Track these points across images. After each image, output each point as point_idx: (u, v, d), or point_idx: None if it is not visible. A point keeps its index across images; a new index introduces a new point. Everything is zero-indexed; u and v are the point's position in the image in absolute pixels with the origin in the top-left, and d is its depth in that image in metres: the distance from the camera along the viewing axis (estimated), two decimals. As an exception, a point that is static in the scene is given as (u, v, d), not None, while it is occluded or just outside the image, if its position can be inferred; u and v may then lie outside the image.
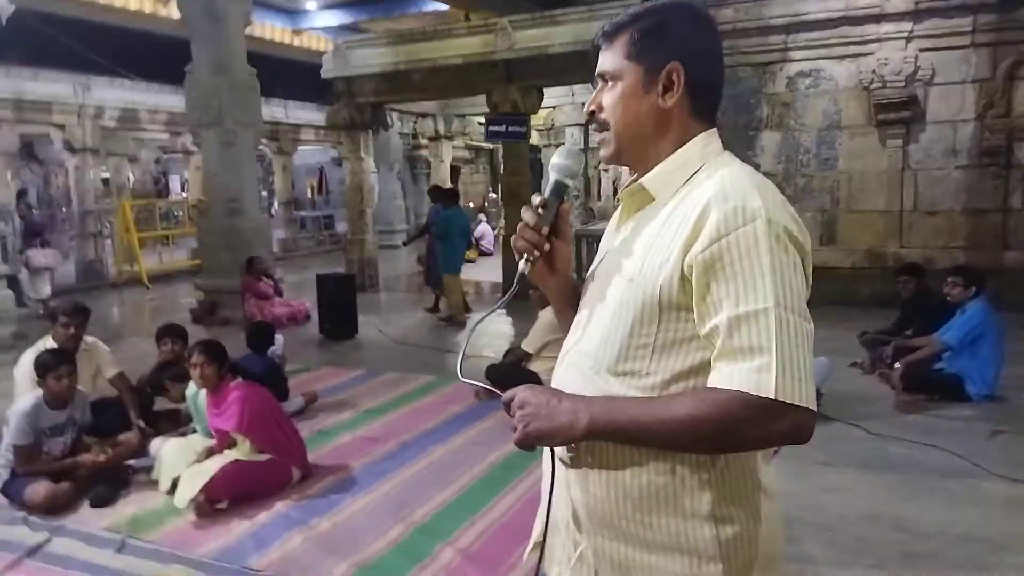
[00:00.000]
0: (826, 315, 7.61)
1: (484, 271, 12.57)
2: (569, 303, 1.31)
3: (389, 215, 16.96)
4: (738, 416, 1.00)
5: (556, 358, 1.29)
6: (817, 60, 8.22)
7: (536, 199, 1.25)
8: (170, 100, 14.33)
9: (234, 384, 3.79)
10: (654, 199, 1.17)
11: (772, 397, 0.98)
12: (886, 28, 7.83)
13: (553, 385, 1.23)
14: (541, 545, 1.24)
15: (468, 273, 12.66)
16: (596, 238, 9.92)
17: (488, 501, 3.59)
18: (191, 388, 4.07)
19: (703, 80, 1.17)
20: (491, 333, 7.32)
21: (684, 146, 1.16)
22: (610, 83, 1.19)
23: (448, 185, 9.87)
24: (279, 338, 5.70)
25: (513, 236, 1.26)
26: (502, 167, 10.80)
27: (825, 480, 3.72)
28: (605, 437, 1.10)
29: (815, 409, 1.01)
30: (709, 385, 1.04)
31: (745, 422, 1.00)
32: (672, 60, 1.14)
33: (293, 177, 19.53)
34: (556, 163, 1.28)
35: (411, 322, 8.48)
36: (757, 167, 8.37)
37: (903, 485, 3.67)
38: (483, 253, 14.53)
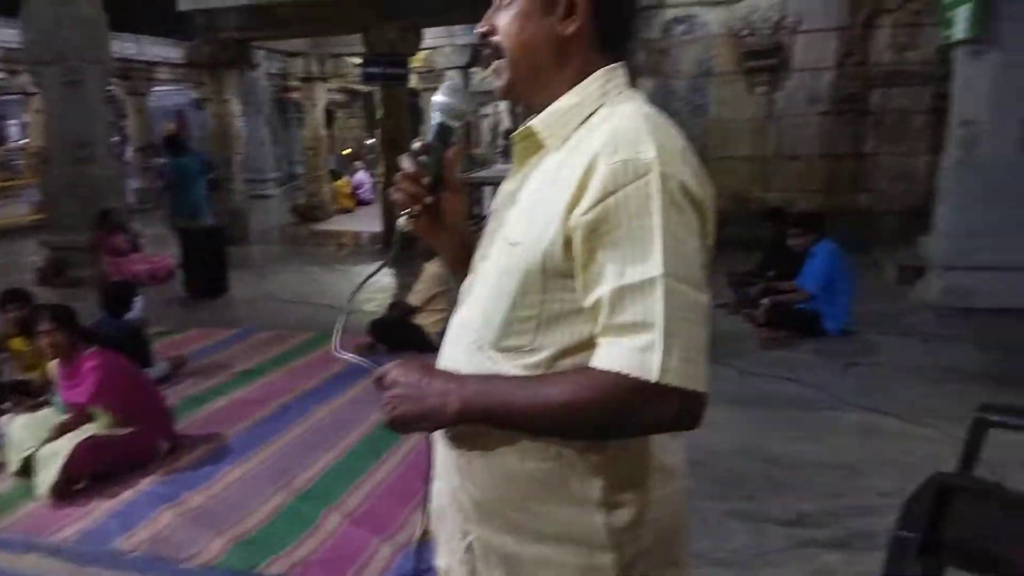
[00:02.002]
0: None
1: (363, 221, 12.19)
2: (465, 261, 1.16)
3: (259, 162, 16.01)
4: (618, 401, 0.91)
5: (444, 311, 1.18)
6: (692, 6, 8.33)
7: (417, 144, 1.11)
8: (4, 33, 12.72)
9: (88, 352, 3.47)
10: (544, 146, 1.03)
11: (655, 380, 0.88)
12: (755, -25, 8.03)
13: (440, 359, 1.13)
14: (426, 533, 1.16)
15: (345, 223, 12.30)
16: (478, 186, 9.84)
17: (373, 463, 3.50)
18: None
19: (611, 5, 1.03)
20: (373, 287, 7.10)
21: (581, 83, 1.02)
22: (505, 0, 1.04)
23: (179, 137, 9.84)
24: (138, 299, 5.28)
25: (391, 186, 1.12)
26: (379, 111, 10.40)
27: None
28: (479, 421, 0.99)
29: (706, 391, 0.92)
30: (591, 365, 0.94)
31: (626, 407, 0.91)
32: None
33: (149, 120, 18.01)
34: (438, 102, 1.12)
35: (288, 276, 8.11)
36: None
37: (770, 419, 3.91)
38: (361, 202, 14.05)
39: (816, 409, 4.03)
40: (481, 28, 1.07)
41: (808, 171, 8.35)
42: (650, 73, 8.60)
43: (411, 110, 10.99)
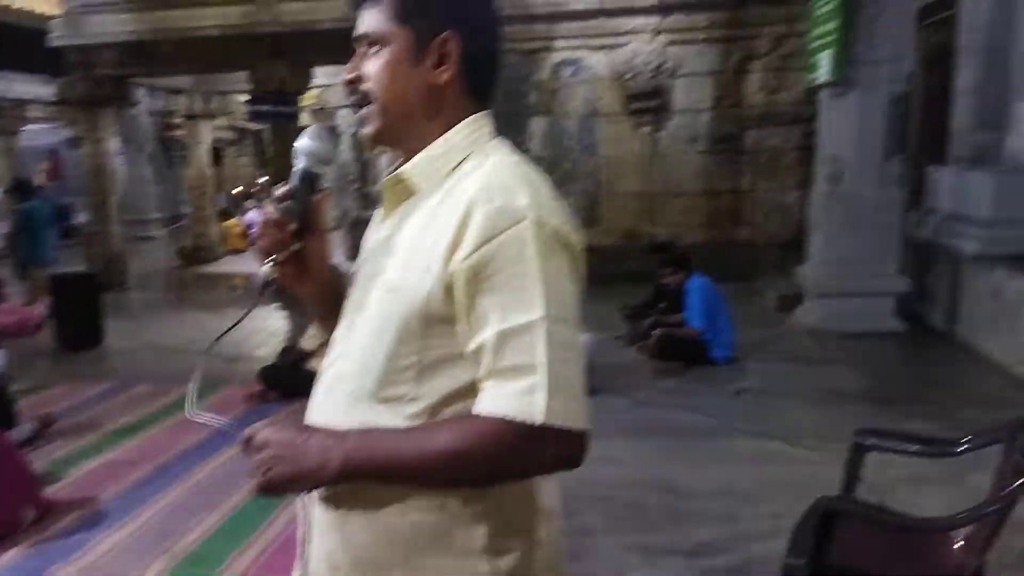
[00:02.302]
0: (589, 294, 8.22)
1: (254, 261, 11.75)
2: (332, 310, 1.14)
3: (140, 203, 15.18)
4: (504, 445, 0.90)
5: None
6: (578, 50, 8.66)
7: (281, 189, 1.08)
8: None
9: (-66, 418, 3.12)
10: (415, 192, 1.04)
11: (540, 422, 0.89)
12: (637, 22, 8.43)
13: (311, 413, 1.07)
14: None
15: (236, 265, 11.83)
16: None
17: (262, 522, 3.31)
18: None
19: (481, 54, 1.04)
20: (263, 330, 6.84)
21: (451, 130, 1.03)
22: (374, 48, 1.03)
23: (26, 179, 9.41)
24: (0, 352, 4.84)
25: (253, 234, 1.08)
26: (270, 150, 10.13)
27: (598, 451, 3.78)
28: (363, 477, 0.96)
29: (587, 429, 0.93)
30: (475, 410, 0.93)
31: (512, 451, 0.91)
32: (447, 27, 1.00)
33: (19, 162, 16.86)
34: (302, 146, 1.09)
35: (171, 324, 7.67)
36: (527, 152, 8.79)
37: (666, 448, 4.00)
38: (253, 242, 13.57)
39: (709, 437, 4.15)
40: (349, 75, 1.06)
41: (692, 206, 8.75)
42: (543, 112, 8.83)
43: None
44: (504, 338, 0.91)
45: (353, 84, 1.05)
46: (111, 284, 9.12)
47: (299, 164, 1.10)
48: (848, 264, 6.05)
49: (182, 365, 5.93)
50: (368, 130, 1.06)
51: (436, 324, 0.96)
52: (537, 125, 8.87)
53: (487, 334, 0.92)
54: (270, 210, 1.08)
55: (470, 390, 0.95)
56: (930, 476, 3.19)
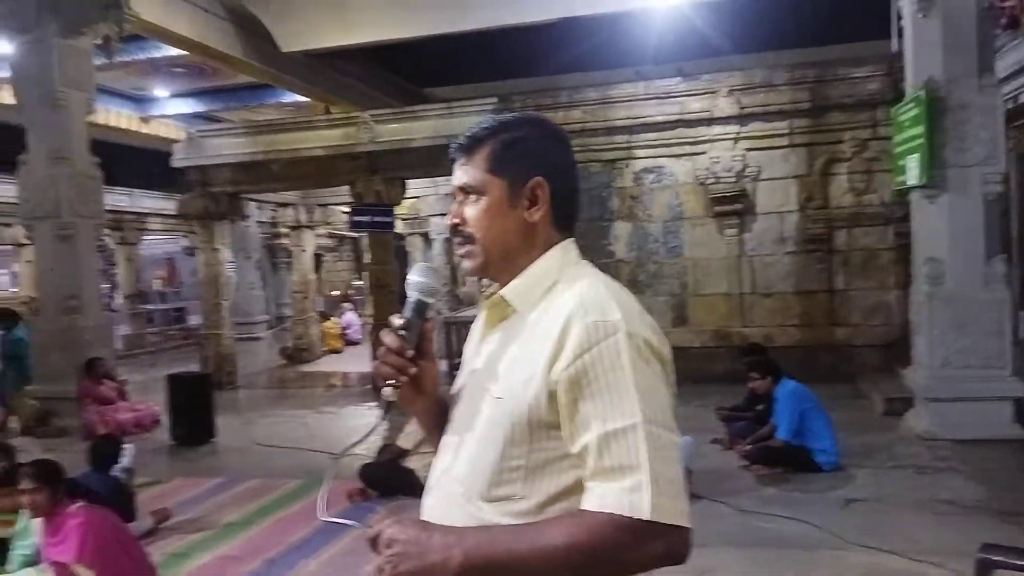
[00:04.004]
0: (681, 394, 8.09)
1: (351, 361, 12.22)
2: (438, 423, 1.26)
3: (248, 306, 16.11)
4: (613, 541, 0.97)
5: (435, 452, 1.24)
6: (659, 158, 8.93)
7: (397, 320, 1.20)
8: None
9: (73, 508, 3.38)
10: (516, 311, 1.17)
11: (646, 518, 0.96)
12: (716, 130, 8.67)
13: (423, 514, 1.17)
14: None
15: (335, 364, 12.31)
16: (466, 324, 9.99)
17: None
18: (22, 514, 3.58)
19: (564, 192, 1.21)
20: (362, 428, 7.04)
21: (542, 257, 1.18)
22: (473, 196, 1.19)
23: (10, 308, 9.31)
24: (128, 448, 5.18)
25: (374, 363, 1.22)
26: (368, 255, 10.71)
27: (700, 562, 3.81)
28: (480, 573, 1.02)
29: (689, 527, 1.00)
30: (583, 507, 1.01)
31: (620, 547, 0.97)
32: (535, 175, 1.17)
33: (138, 268, 18.32)
34: (414, 281, 1.23)
35: (276, 421, 8.01)
36: (612, 255, 9.00)
37: (773, 560, 3.84)
38: (350, 342, 14.14)
39: (818, 549, 3.97)
40: (451, 220, 1.22)
41: (783, 307, 8.63)
42: (626, 217, 9.06)
43: (398, 253, 11.33)
44: (607, 440, 1.00)
45: (456, 227, 1.21)
46: (222, 383, 9.67)
47: (412, 296, 1.23)
48: (957, 367, 5.79)
49: (288, 461, 6.21)
50: (471, 265, 1.21)
51: (541, 428, 1.06)
52: (621, 229, 9.09)
53: (590, 436, 1.01)
54: (389, 340, 1.18)
55: (576, 488, 1.04)
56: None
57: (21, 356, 8.01)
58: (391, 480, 4.94)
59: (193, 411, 7.04)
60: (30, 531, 3.53)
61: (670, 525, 0.97)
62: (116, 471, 4.80)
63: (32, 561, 3.52)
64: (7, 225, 14.39)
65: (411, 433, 5.18)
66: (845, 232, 8.48)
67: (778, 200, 8.63)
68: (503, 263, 1.19)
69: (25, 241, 13.93)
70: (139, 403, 8.07)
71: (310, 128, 9.88)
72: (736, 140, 8.64)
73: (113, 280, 19.10)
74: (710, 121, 8.65)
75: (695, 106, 8.65)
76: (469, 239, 1.19)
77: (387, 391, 1.18)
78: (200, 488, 5.56)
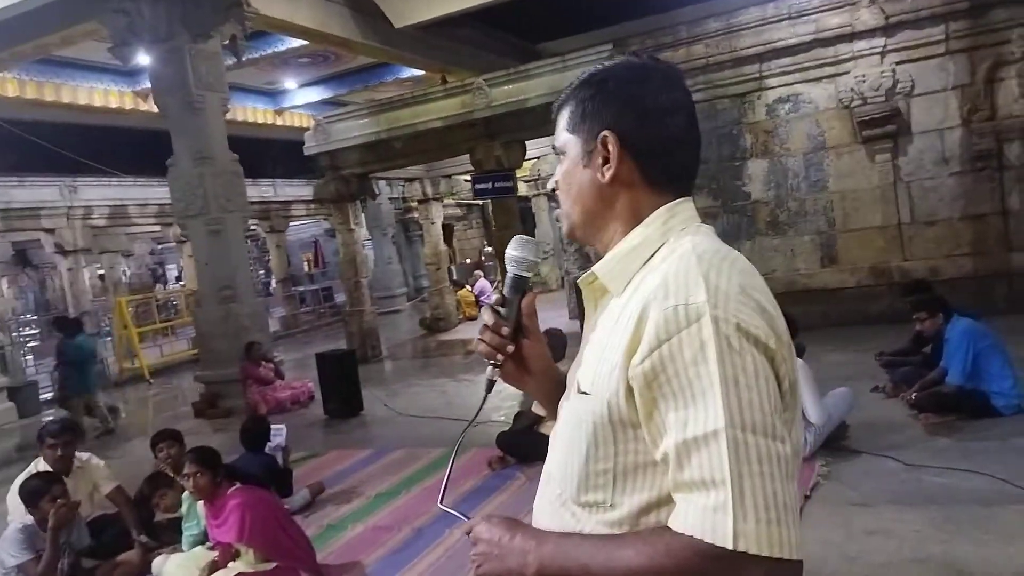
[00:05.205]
0: (835, 338, 7.69)
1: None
2: (556, 405, 1.15)
3: (387, 280, 16.93)
4: (693, 570, 0.83)
5: None
6: (794, 85, 8.22)
7: (494, 296, 1.15)
8: (158, 192, 14.44)
9: (232, 490, 3.60)
10: (608, 291, 1.02)
11: (730, 547, 0.80)
12: (859, 46, 7.83)
13: (533, 513, 1.10)
14: None
15: (471, 331, 12.57)
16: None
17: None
18: (186, 497, 3.88)
19: (652, 144, 1.01)
20: (499, 395, 7.11)
21: (640, 224, 1.02)
22: (560, 157, 1.10)
23: (72, 315, 9.31)
24: (281, 428, 5.51)
25: (473, 340, 1.16)
26: (493, 222, 10.77)
27: (864, 522, 3.50)
28: None
29: (798, 559, 0.82)
30: (669, 523, 0.88)
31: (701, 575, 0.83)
32: (608, 126, 1.01)
33: (288, 253, 19.57)
34: (511, 256, 1.16)
35: (417, 391, 8.29)
36: (748, 196, 8.45)
37: (948, 519, 3.45)
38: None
39: (1002, 505, 3.52)
40: (551, 184, 1.17)
41: (950, 235, 7.76)
42: (760, 154, 8.46)
43: (523, 216, 11.30)
44: (684, 449, 0.85)
45: (554, 190, 1.14)
46: (367, 356, 10.14)
47: (509, 271, 1.16)
48: None
49: (430, 430, 6.39)
50: (564, 229, 1.14)
51: (626, 429, 0.93)
52: (755, 167, 8.50)
53: (668, 443, 0.87)
54: (486, 317, 1.13)
55: (669, 499, 0.90)
56: None
57: (80, 361, 8.38)
58: (528, 447, 4.93)
59: (341, 386, 7.40)
60: (196, 513, 3.81)
61: (764, 557, 0.80)
62: (271, 450, 5.11)
63: (201, 540, 3.81)
64: (169, 224, 15.78)
65: (545, 398, 5.12)
66: (1018, 144, 7.44)
67: (936, 116, 7.70)
68: (588, 228, 1.08)
69: (185, 238, 15.23)
70: (295, 381, 8.63)
71: (427, 101, 9.97)
72: (883, 54, 7.77)
73: (267, 266, 20.57)
74: (851, 37, 7.83)
75: (833, 22, 7.85)
76: (561, 202, 1.12)
77: (488, 371, 1.15)
78: (351, 460, 5.84)
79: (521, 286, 1.14)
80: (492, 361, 1.13)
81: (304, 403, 8.24)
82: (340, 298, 17.79)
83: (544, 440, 4.52)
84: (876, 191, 8.00)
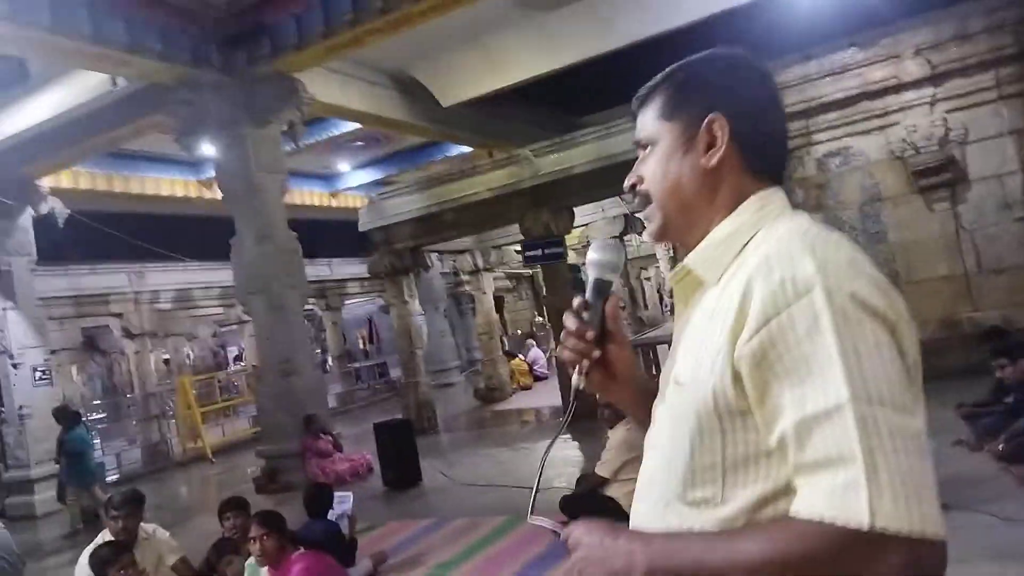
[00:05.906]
0: None
1: (542, 396, 12.31)
2: (647, 414, 1.09)
3: (441, 354, 17.00)
4: (828, 555, 0.76)
5: (636, 479, 1.08)
6: (843, 138, 8.18)
7: (576, 301, 1.10)
8: (220, 275, 14.99)
9: (296, 555, 3.57)
10: (703, 282, 0.99)
11: (867, 526, 0.74)
12: (907, 96, 7.79)
13: (633, 519, 1.03)
14: None
15: (525, 401, 12.46)
16: (652, 347, 9.71)
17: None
18: (250, 563, 3.85)
19: (754, 130, 0.99)
20: (559, 461, 6.97)
21: (735, 212, 0.98)
22: (647, 149, 1.05)
23: (73, 409, 9.34)
24: (348, 495, 5.46)
25: (558, 346, 1.10)
26: (544, 290, 10.81)
27: None
28: None
29: (942, 536, 0.75)
30: (791, 512, 0.81)
31: (838, 562, 0.76)
32: (712, 111, 0.98)
33: (343, 330, 19.94)
34: (593, 259, 1.12)
35: (475, 460, 8.18)
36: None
37: (1056, 577, 3.19)
38: (538, 378, 14.31)
39: (1116, 561, 3.25)
40: (629, 181, 1.08)
41: (1020, 282, 7.46)
42: (813, 208, 8.34)
43: (573, 284, 11.32)
44: (805, 427, 0.79)
45: (633, 188, 1.07)
46: (424, 428, 10.11)
47: (591, 275, 1.13)
48: None
49: (488, 499, 6.26)
50: (651, 228, 1.06)
51: (733, 418, 0.88)
52: (810, 222, 8.38)
53: (785, 424, 0.81)
54: (569, 322, 1.09)
55: (787, 491, 0.84)
56: None
57: (78, 453, 8.35)
58: (593, 510, 4.76)
59: (400, 456, 7.37)
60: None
61: (906, 535, 0.73)
62: (337, 518, 5.06)
63: (263, 605, 3.75)
64: (231, 306, 16.28)
65: (609, 461, 4.99)
66: (1087, 185, 7.21)
67: (994, 162, 7.54)
68: (683, 222, 1.02)
69: (246, 318, 15.68)
70: (353, 453, 8.61)
71: (476, 173, 10.25)
72: (932, 103, 7.71)
73: (323, 344, 20.94)
74: (898, 88, 7.81)
75: (877, 75, 7.86)
76: (646, 199, 1.05)
77: (574, 378, 1.09)
78: (412, 529, 5.75)
79: (604, 290, 1.10)
80: (578, 369, 1.09)
81: (363, 475, 8.20)
82: (395, 373, 17.94)
83: (609, 502, 4.39)
84: (939, 241, 7.79)
